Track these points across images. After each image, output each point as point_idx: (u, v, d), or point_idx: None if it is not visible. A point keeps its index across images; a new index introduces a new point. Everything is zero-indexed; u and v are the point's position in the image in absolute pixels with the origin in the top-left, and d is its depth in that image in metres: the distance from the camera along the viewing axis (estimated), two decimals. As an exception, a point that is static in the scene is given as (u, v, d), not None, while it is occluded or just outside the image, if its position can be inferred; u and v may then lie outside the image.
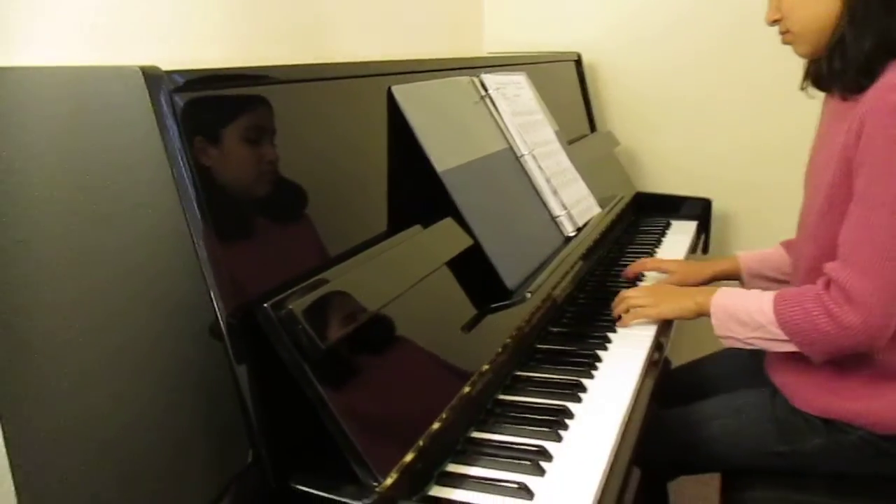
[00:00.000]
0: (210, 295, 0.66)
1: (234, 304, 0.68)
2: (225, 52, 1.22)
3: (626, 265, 1.51)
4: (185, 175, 0.66)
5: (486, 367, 0.92)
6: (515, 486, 0.77)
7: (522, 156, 1.33)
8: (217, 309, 0.66)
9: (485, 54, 2.26)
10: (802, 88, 1.18)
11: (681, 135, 2.12)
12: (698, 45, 2.03)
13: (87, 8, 0.96)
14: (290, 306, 0.69)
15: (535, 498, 0.76)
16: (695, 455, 1.23)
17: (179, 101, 0.66)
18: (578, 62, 2.10)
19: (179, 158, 0.65)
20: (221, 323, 0.66)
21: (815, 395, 1.13)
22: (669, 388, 1.35)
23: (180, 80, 0.67)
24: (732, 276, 1.46)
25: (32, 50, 0.88)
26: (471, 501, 0.76)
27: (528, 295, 1.05)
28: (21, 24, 0.87)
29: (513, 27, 2.25)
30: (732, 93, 2.01)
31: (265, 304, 0.68)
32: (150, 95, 0.64)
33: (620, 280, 1.48)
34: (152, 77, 0.65)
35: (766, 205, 1.99)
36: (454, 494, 0.77)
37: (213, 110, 0.72)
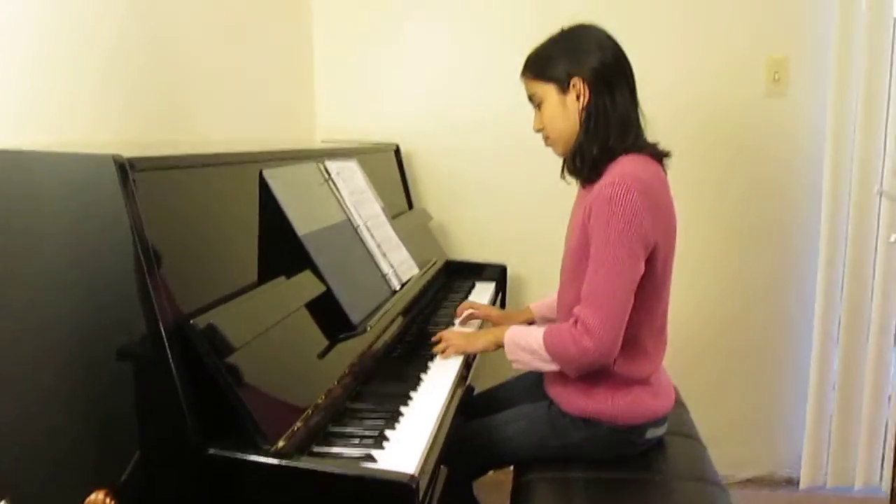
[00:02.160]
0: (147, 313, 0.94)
1: (168, 319, 0.96)
2: (103, 132, 1.47)
3: (441, 316, 1.92)
4: (135, 232, 0.94)
5: (342, 374, 1.24)
6: (364, 455, 1.09)
7: (358, 226, 1.68)
8: (160, 321, 0.94)
9: (319, 139, 2.63)
10: (562, 177, 1.63)
11: (481, 211, 2.57)
12: (493, 138, 2.51)
13: None
14: (210, 321, 0.98)
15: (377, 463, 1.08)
16: (492, 454, 1.58)
17: (137, 178, 0.95)
18: (397, 151, 2.50)
19: (134, 222, 0.94)
20: (162, 331, 0.94)
21: (575, 401, 1.51)
22: (473, 407, 1.74)
23: (135, 164, 0.95)
24: (532, 322, 1.90)
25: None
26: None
27: (369, 327, 1.39)
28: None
29: (341, 116, 2.63)
30: (520, 177, 2.49)
31: (191, 321, 0.97)
32: (119, 175, 0.92)
33: (436, 326, 1.86)
34: (118, 162, 0.93)
35: (547, 266, 2.46)
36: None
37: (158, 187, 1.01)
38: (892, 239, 1.83)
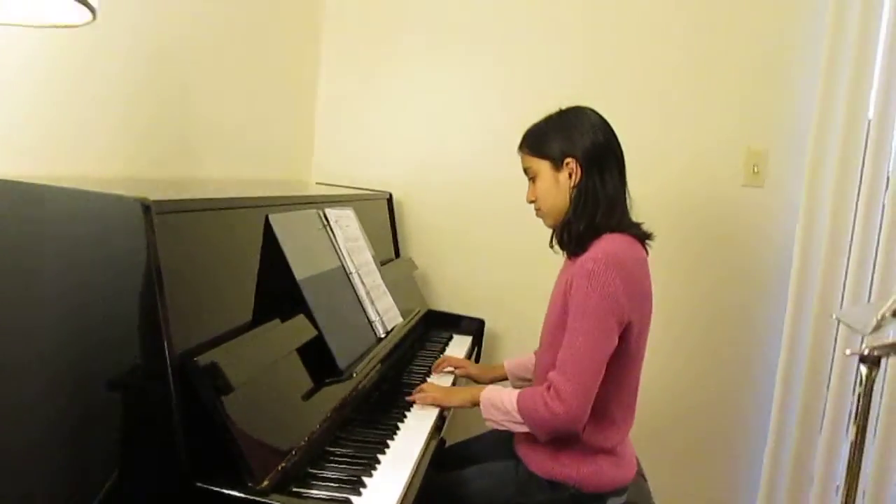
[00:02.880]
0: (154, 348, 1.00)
1: (175, 355, 1.01)
2: (114, 167, 1.54)
3: (419, 366, 1.98)
4: (151, 269, 1.00)
5: (324, 417, 1.29)
6: (343, 500, 1.14)
7: (351, 273, 1.75)
8: (167, 357, 0.99)
9: (314, 180, 2.71)
10: (550, 246, 1.71)
11: (465, 265, 2.65)
12: (482, 197, 2.60)
13: None
14: (213, 360, 1.04)
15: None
16: (460, 506, 1.65)
17: (157, 220, 1.01)
18: (390, 200, 2.59)
19: (151, 260, 1.00)
20: (168, 367, 0.99)
21: (542, 463, 1.57)
22: (445, 459, 1.79)
23: (157, 206, 1.02)
24: (504, 379, 1.96)
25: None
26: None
27: (354, 373, 1.45)
28: None
29: (338, 160, 2.72)
30: (505, 236, 2.58)
31: (195, 358, 1.03)
32: (143, 216, 0.99)
33: (413, 375, 1.92)
34: (144, 203, 0.99)
35: (524, 325, 2.52)
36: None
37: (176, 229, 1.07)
38: (847, 353, 1.91)
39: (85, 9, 0.65)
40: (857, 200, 2.32)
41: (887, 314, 1.11)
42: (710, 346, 2.55)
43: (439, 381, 1.90)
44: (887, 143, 2.28)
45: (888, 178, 2.28)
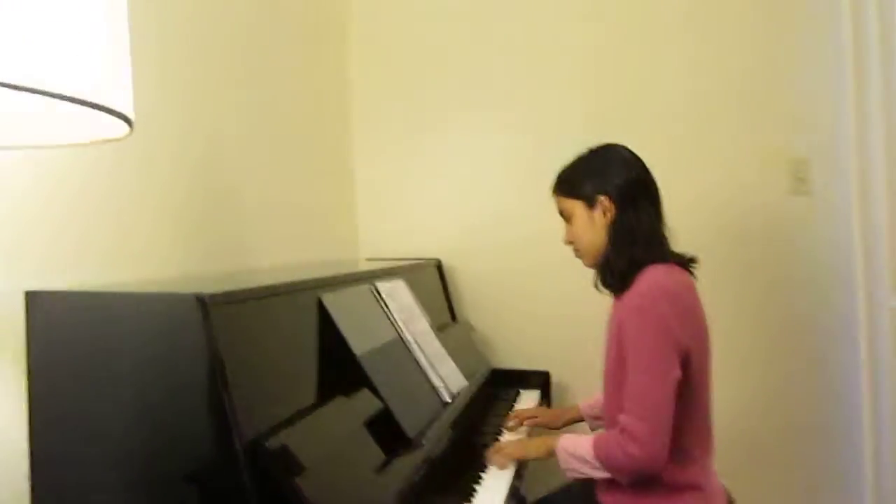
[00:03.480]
0: (223, 436, 1.03)
1: (245, 441, 1.04)
2: (170, 270, 1.62)
3: (489, 426, 1.96)
4: (213, 361, 1.04)
5: (399, 488, 1.30)
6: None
7: (408, 342, 1.77)
8: (237, 443, 1.02)
9: (363, 257, 2.77)
10: (595, 287, 1.71)
11: (521, 320, 2.65)
12: (529, 249, 2.63)
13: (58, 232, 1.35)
14: (283, 442, 1.06)
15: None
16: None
17: (213, 313, 1.06)
18: (439, 266, 2.63)
19: (212, 352, 1.04)
20: (239, 453, 1.02)
21: None
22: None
23: (212, 300, 1.07)
24: (579, 420, 1.95)
25: None
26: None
27: (424, 441, 1.45)
28: None
29: (383, 234, 2.79)
30: (557, 285, 2.59)
31: (265, 442, 1.05)
32: (199, 310, 1.03)
33: (485, 436, 1.91)
34: (200, 298, 1.04)
35: (589, 370, 2.49)
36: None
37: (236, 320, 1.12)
38: None
39: (121, 121, 0.70)
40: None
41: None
42: (781, 361, 2.47)
43: (513, 437, 1.88)
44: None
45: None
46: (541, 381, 2.49)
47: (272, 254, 2.12)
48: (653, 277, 1.50)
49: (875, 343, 2.34)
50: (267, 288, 1.27)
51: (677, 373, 1.44)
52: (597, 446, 1.50)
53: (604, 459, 1.48)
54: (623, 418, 1.45)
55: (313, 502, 1.07)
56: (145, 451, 1.09)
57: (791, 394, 2.48)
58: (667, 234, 1.61)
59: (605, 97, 2.57)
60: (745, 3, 2.45)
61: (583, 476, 1.56)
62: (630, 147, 1.66)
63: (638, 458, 1.41)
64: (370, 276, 1.82)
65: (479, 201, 2.69)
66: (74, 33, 0.62)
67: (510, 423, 1.98)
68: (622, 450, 1.43)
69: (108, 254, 1.43)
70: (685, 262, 1.58)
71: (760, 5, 2.44)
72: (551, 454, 1.61)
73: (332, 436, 1.24)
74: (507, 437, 1.90)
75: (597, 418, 1.92)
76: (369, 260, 2.72)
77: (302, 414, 1.23)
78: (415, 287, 2.08)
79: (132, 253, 1.49)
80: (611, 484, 1.56)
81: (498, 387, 2.45)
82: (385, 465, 1.35)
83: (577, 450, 1.54)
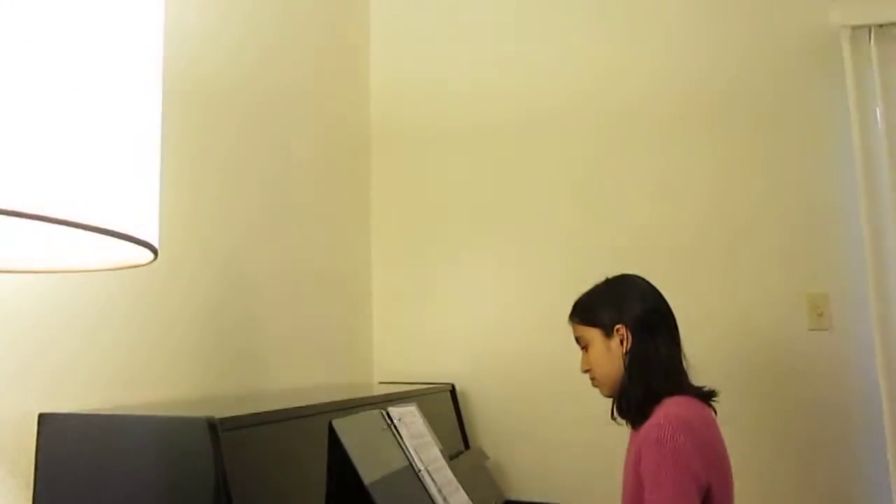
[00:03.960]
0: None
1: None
2: (184, 392, 1.62)
3: (501, 561, 1.87)
4: (221, 485, 1.02)
5: None
6: None
7: (420, 471, 1.72)
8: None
9: (377, 380, 2.75)
10: (612, 418, 1.68)
11: (537, 449, 2.58)
12: (546, 377, 2.60)
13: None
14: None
15: None
16: None
17: (224, 437, 1.05)
18: (453, 391, 2.60)
19: (221, 476, 1.02)
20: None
21: None
22: None
23: (223, 424, 1.06)
24: None
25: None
26: None
27: (434, 579, 1.39)
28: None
29: (397, 358, 2.78)
30: (574, 413, 2.53)
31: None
32: (210, 434, 1.03)
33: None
34: (210, 422, 1.04)
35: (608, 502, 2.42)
36: None
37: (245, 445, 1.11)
38: None
39: (147, 250, 0.73)
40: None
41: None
42: (803, 498, 2.37)
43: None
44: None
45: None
46: (558, 515, 2.40)
47: (288, 375, 2.11)
48: (671, 409, 1.48)
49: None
50: (278, 412, 1.26)
51: (698, 506, 1.39)
52: None
53: None
54: None
55: None
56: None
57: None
58: (685, 366, 1.59)
59: (617, 230, 2.61)
60: (751, 143, 2.53)
61: None
62: (650, 280, 1.68)
63: None
64: (383, 401, 1.80)
65: (495, 325, 2.69)
66: (104, 164, 0.65)
67: None
68: None
69: (124, 376, 1.43)
70: (705, 395, 1.56)
71: (765, 143, 2.52)
72: None
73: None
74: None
75: None
76: (382, 384, 2.70)
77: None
78: (428, 412, 2.05)
79: (150, 376, 1.50)
80: None
81: (512, 520, 2.36)
82: None
83: None
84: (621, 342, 1.58)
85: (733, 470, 1.53)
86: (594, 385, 1.67)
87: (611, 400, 1.66)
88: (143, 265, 0.81)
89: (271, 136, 2.13)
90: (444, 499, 1.75)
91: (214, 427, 1.04)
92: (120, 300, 1.43)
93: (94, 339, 1.36)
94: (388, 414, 1.76)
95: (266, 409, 1.25)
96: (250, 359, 1.91)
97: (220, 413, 1.08)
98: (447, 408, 2.50)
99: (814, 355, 2.41)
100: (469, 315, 2.72)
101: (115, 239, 0.66)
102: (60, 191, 0.59)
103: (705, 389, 1.57)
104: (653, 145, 2.62)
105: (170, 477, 1.06)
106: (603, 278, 1.71)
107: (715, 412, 1.56)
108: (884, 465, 2.28)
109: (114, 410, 1.19)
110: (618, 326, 1.59)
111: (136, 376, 1.47)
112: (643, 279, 1.67)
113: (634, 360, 1.57)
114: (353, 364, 2.65)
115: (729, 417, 1.64)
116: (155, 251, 0.74)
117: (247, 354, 1.90)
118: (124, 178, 0.68)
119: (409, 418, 1.86)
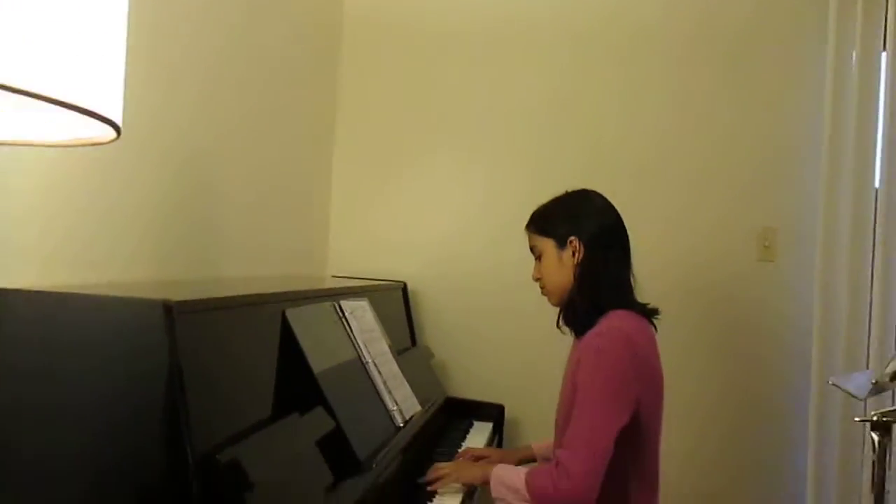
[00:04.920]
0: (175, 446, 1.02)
1: (196, 453, 1.03)
2: (139, 275, 1.61)
3: (440, 455, 1.97)
4: (173, 369, 1.04)
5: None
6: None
7: (367, 363, 1.77)
8: (189, 455, 1.01)
9: (330, 274, 2.77)
10: (558, 327, 1.74)
11: (481, 351, 2.67)
12: (496, 283, 2.65)
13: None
14: (234, 456, 1.06)
15: None
16: None
17: (178, 319, 1.06)
18: (405, 289, 2.64)
19: (173, 360, 1.04)
20: (190, 464, 1.01)
21: None
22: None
23: (178, 307, 1.06)
24: (531, 459, 1.94)
25: None
26: None
27: (374, 464, 1.45)
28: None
29: (352, 253, 2.80)
30: (520, 321, 2.61)
31: (217, 455, 1.05)
32: (164, 317, 1.03)
33: (435, 463, 1.91)
34: (166, 305, 1.04)
35: (544, 408, 2.51)
36: None
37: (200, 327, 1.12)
38: (856, 419, 1.81)
39: (110, 127, 0.71)
40: (872, 268, 2.35)
41: (884, 379, 1.11)
42: (733, 418, 2.53)
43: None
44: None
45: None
46: (494, 413, 2.50)
47: (243, 266, 2.11)
48: (615, 322, 1.53)
49: (824, 416, 2.39)
50: (232, 298, 1.27)
51: (623, 419, 1.47)
52: (529, 477, 1.50)
53: (533, 491, 1.48)
54: (560, 453, 1.46)
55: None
56: (99, 455, 1.08)
57: (739, 456, 2.52)
58: (633, 283, 1.64)
59: (581, 147, 2.62)
60: (723, 73, 2.54)
61: None
62: (609, 199, 1.70)
63: (566, 492, 1.42)
64: (336, 294, 1.82)
65: (451, 230, 2.72)
66: (70, 36, 0.63)
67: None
68: (553, 483, 1.44)
69: (81, 255, 1.41)
70: (647, 312, 1.62)
71: (738, 76, 2.52)
72: (485, 482, 1.61)
73: (283, 453, 1.24)
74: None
75: (548, 460, 1.93)
76: (336, 277, 2.72)
77: (256, 428, 1.23)
78: (378, 308, 2.09)
79: (106, 256, 1.48)
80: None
81: (452, 415, 2.45)
82: (334, 486, 1.35)
83: (510, 479, 1.54)
84: (573, 254, 1.62)
85: (665, 380, 1.60)
86: (543, 294, 1.71)
87: (557, 310, 1.72)
88: (106, 143, 0.79)
89: (243, 30, 2.04)
90: (389, 391, 1.81)
91: (170, 309, 1.04)
92: (77, 180, 1.39)
93: (56, 218, 1.33)
94: (339, 307, 1.78)
95: (221, 295, 1.26)
96: (206, 248, 1.89)
97: (176, 296, 1.08)
98: (398, 306, 2.55)
99: (757, 284, 2.51)
100: (428, 219, 2.74)
101: (78, 115, 0.64)
102: (21, 59, 0.57)
103: (649, 307, 1.63)
104: (624, 65, 2.60)
105: (125, 358, 1.07)
106: (563, 191, 1.72)
107: (656, 329, 1.63)
108: (807, 381, 2.42)
109: (71, 289, 1.18)
110: (571, 239, 1.62)
111: (98, 258, 1.45)
112: (603, 197, 1.69)
113: (584, 273, 1.61)
114: (307, 257, 2.66)
115: (668, 334, 1.71)
116: (118, 129, 0.72)
117: (206, 245, 1.88)
118: (88, 53, 0.65)
119: (359, 312, 1.89)
